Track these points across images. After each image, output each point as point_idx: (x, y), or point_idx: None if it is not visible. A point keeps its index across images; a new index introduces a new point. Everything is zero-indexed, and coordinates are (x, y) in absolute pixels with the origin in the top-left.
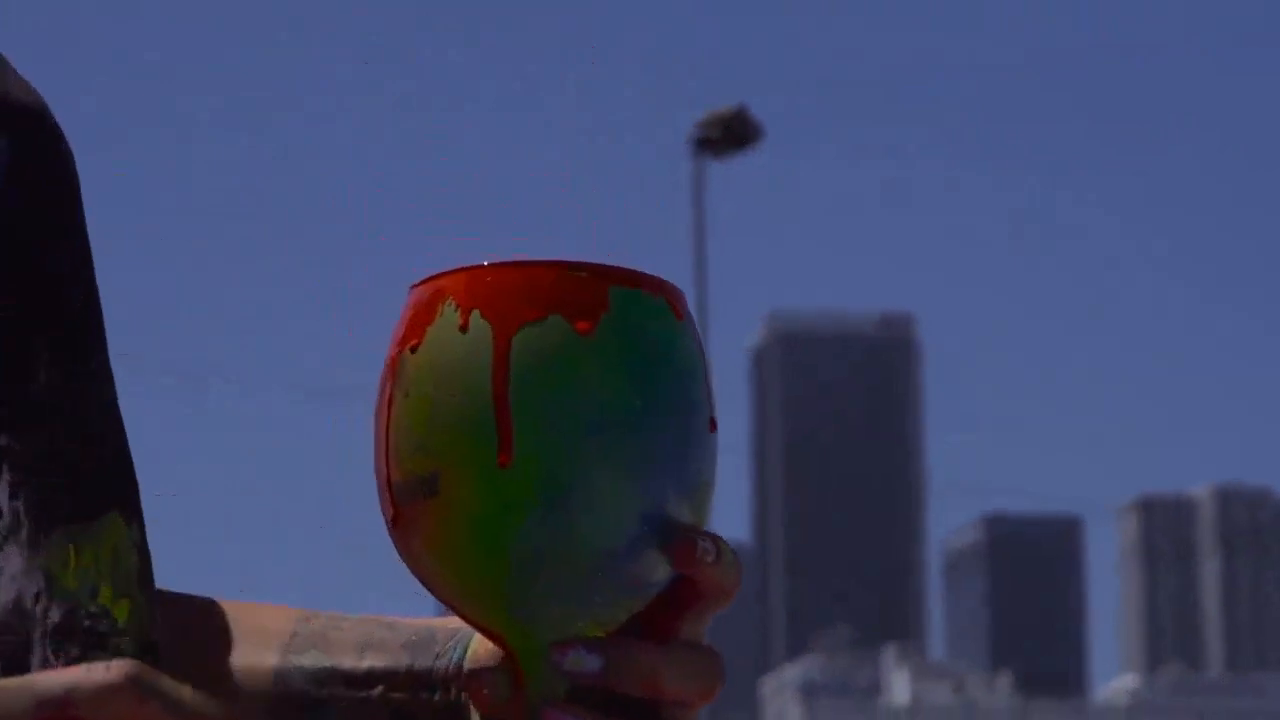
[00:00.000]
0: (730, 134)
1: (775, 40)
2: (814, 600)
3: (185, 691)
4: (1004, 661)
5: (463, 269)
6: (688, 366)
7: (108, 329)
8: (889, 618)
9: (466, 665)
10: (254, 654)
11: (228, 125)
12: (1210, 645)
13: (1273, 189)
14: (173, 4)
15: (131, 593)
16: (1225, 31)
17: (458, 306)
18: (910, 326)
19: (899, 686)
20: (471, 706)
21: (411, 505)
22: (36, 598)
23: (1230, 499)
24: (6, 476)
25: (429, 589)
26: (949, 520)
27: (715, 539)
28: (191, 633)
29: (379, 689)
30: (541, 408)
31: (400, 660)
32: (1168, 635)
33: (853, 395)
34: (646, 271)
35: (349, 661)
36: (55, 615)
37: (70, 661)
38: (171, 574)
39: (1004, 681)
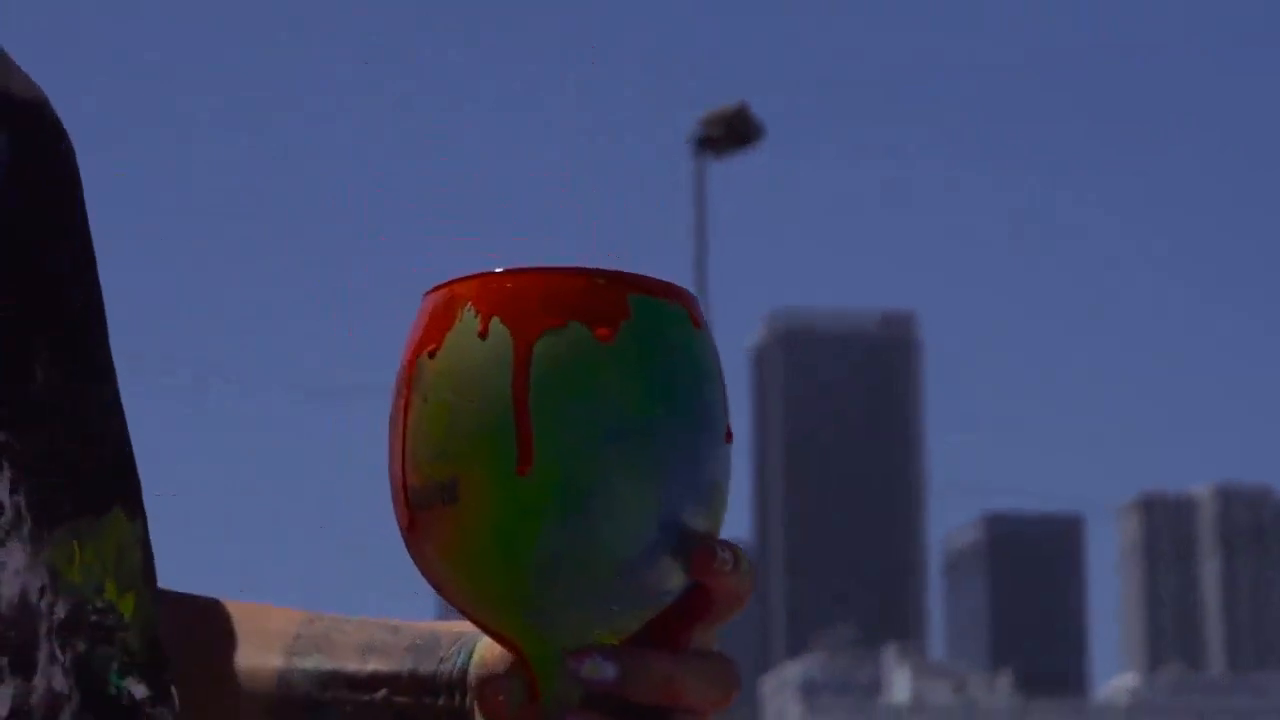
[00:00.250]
0: (732, 132)
1: (776, 40)
2: (814, 600)
3: None
4: (1004, 660)
5: (482, 275)
6: (706, 375)
7: (109, 328)
8: (889, 617)
9: (474, 671)
10: (257, 655)
11: (228, 125)
12: (1211, 644)
13: (1273, 189)
14: (173, 4)
15: (136, 587)
16: (1225, 31)
17: (477, 313)
18: (911, 326)
19: (899, 685)
20: (476, 711)
21: (429, 511)
22: (41, 592)
23: (1231, 498)
24: (7, 473)
25: (443, 595)
26: (949, 520)
27: (733, 548)
28: (195, 633)
29: (382, 692)
30: (562, 415)
31: (404, 664)
32: (1168, 634)
33: (853, 395)
34: (665, 279)
35: (352, 664)
36: (61, 610)
37: (77, 656)
38: (172, 574)
39: (1004, 680)
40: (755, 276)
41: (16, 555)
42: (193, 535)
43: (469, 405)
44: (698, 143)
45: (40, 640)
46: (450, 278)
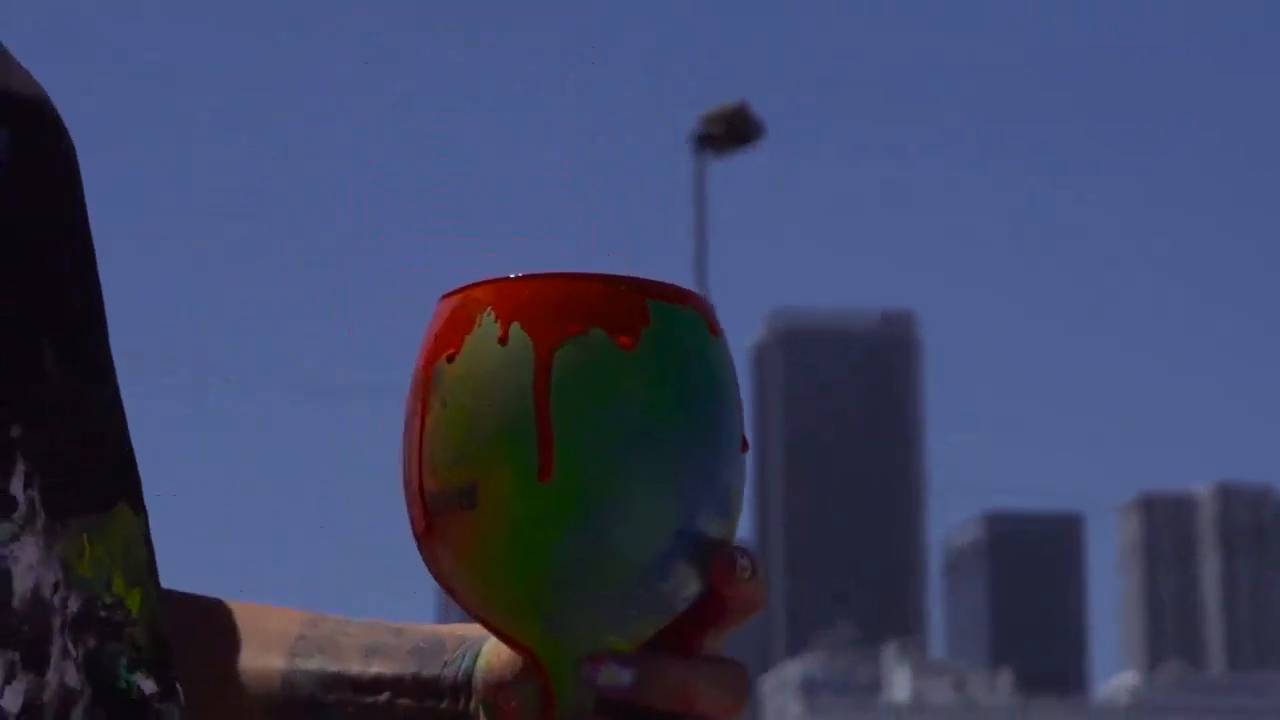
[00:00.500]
0: (732, 130)
1: (776, 40)
2: (814, 599)
3: None
4: (1004, 659)
5: (500, 280)
6: (723, 383)
7: (109, 328)
8: (889, 616)
9: (480, 676)
10: (260, 656)
11: (228, 125)
12: (1211, 643)
13: (1273, 189)
14: (173, 4)
15: (143, 583)
16: (1225, 31)
17: (497, 318)
18: (911, 325)
19: (899, 685)
20: (481, 715)
21: (446, 516)
22: (55, 587)
23: (1231, 497)
24: (21, 467)
25: (456, 599)
26: (949, 519)
27: (750, 556)
28: (198, 632)
29: (385, 695)
30: (583, 422)
31: (407, 667)
32: (1168, 633)
33: (853, 394)
34: (682, 285)
35: (355, 667)
36: (74, 605)
37: (88, 651)
38: (173, 574)
39: (1004, 679)
40: (755, 276)
41: (30, 550)
42: (193, 535)
43: (489, 410)
44: (698, 141)
45: (53, 635)
46: (464, 282)
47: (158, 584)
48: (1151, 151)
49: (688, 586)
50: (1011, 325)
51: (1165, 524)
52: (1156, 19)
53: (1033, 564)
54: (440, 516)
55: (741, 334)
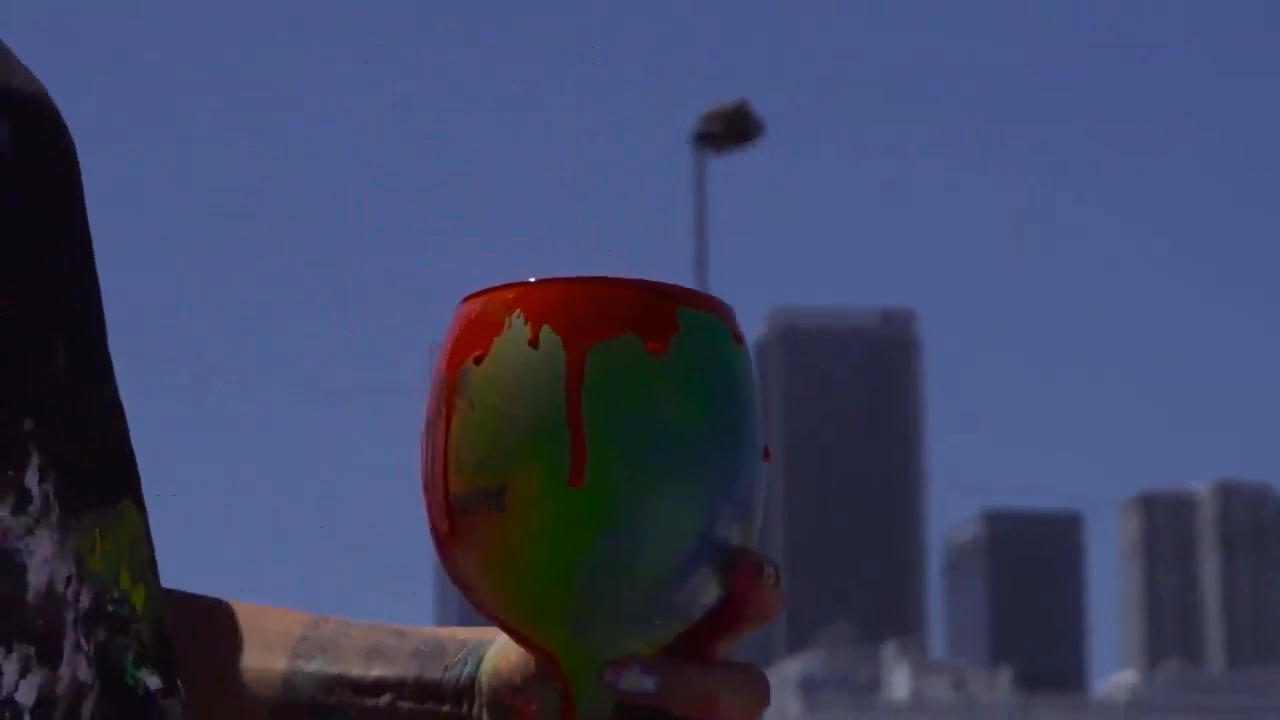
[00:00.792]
0: (732, 129)
1: (776, 40)
2: (814, 598)
3: None
4: (1004, 657)
5: (527, 283)
6: (747, 391)
7: (109, 328)
8: (889, 614)
9: (487, 681)
10: (262, 656)
11: (228, 125)
12: (1210, 641)
13: (1273, 189)
14: (173, 4)
15: (146, 579)
16: (1225, 31)
17: (526, 320)
18: (911, 324)
19: (899, 683)
20: (485, 718)
21: (472, 517)
22: (68, 581)
23: (1231, 495)
24: (36, 460)
25: (475, 601)
26: (949, 518)
27: (773, 563)
28: (199, 632)
29: (387, 697)
30: (615, 427)
31: (408, 670)
32: (1168, 632)
33: (853, 393)
34: (711, 293)
35: (356, 669)
36: (86, 599)
37: (98, 646)
38: (173, 574)
39: (1004, 677)
40: (755, 275)
41: (45, 544)
42: (193, 535)
43: (519, 413)
44: (697, 139)
45: (66, 630)
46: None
47: (158, 583)
48: (1151, 151)
49: (709, 593)
50: (1011, 325)
51: (1165, 523)
52: (1156, 19)
53: (1032, 563)
54: (465, 517)
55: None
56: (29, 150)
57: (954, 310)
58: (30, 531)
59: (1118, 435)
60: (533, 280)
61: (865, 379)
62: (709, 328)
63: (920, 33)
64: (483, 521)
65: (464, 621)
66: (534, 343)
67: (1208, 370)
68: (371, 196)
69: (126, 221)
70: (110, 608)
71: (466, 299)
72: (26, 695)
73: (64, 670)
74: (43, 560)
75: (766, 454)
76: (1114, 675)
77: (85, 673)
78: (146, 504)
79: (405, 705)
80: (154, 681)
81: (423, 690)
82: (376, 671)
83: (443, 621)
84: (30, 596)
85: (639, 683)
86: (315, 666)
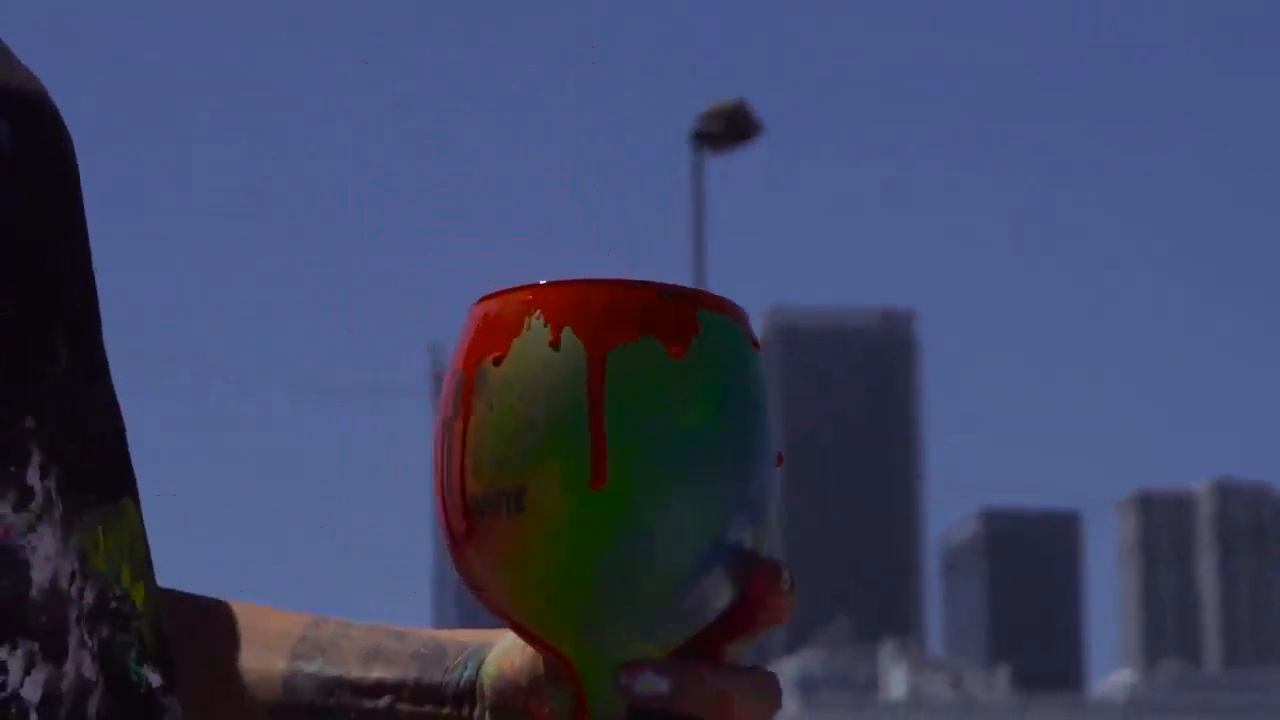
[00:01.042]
0: (731, 127)
1: (775, 39)
2: (813, 597)
3: None
4: (1002, 657)
5: (545, 284)
6: (762, 395)
7: (108, 328)
8: (887, 614)
9: (490, 684)
10: (262, 657)
11: (228, 125)
12: (1209, 641)
13: (1273, 189)
14: (173, 4)
15: (145, 577)
16: (1225, 31)
17: (547, 321)
18: (910, 324)
19: (897, 682)
20: None
21: (490, 518)
22: (72, 578)
23: (1229, 495)
24: (37, 457)
25: (489, 602)
26: (948, 517)
27: (788, 567)
28: (198, 633)
29: (386, 699)
30: (636, 430)
31: (408, 672)
32: (1166, 631)
33: (853, 393)
34: (726, 297)
35: (356, 670)
36: (89, 596)
37: (102, 642)
38: (172, 574)
39: (1002, 677)
40: (754, 274)
41: (48, 541)
42: (193, 535)
43: (540, 414)
44: (696, 138)
45: (70, 626)
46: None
47: (155, 582)
48: (1151, 151)
49: (724, 596)
50: (1011, 325)
51: (1163, 522)
52: (1156, 19)
53: (1031, 562)
54: (483, 519)
55: None
56: (29, 150)
57: (954, 311)
58: (32, 528)
59: (1116, 435)
60: (546, 281)
61: (865, 379)
62: (726, 330)
63: (920, 33)
64: (501, 523)
65: (462, 623)
66: (555, 344)
67: (1207, 370)
68: (371, 196)
69: (126, 221)
70: (113, 605)
71: (481, 300)
72: (32, 692)
73: (69, 667)
74: (45, 557)
75: (779, 458)
76: (1112, 674)
77: (90, 669)
78: (142, 503)
79: (405, 707)
80: (155, 679)
81: (422, 692)
82: (376, 673)
83: (441, 623)
84: (34, 593)
85: (654, 685)
86: (315, 668)
